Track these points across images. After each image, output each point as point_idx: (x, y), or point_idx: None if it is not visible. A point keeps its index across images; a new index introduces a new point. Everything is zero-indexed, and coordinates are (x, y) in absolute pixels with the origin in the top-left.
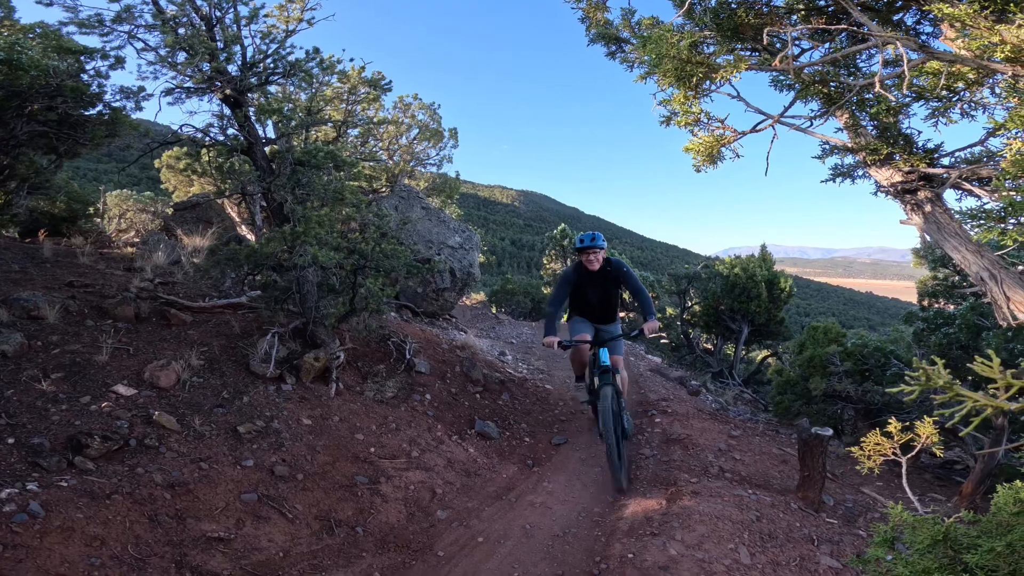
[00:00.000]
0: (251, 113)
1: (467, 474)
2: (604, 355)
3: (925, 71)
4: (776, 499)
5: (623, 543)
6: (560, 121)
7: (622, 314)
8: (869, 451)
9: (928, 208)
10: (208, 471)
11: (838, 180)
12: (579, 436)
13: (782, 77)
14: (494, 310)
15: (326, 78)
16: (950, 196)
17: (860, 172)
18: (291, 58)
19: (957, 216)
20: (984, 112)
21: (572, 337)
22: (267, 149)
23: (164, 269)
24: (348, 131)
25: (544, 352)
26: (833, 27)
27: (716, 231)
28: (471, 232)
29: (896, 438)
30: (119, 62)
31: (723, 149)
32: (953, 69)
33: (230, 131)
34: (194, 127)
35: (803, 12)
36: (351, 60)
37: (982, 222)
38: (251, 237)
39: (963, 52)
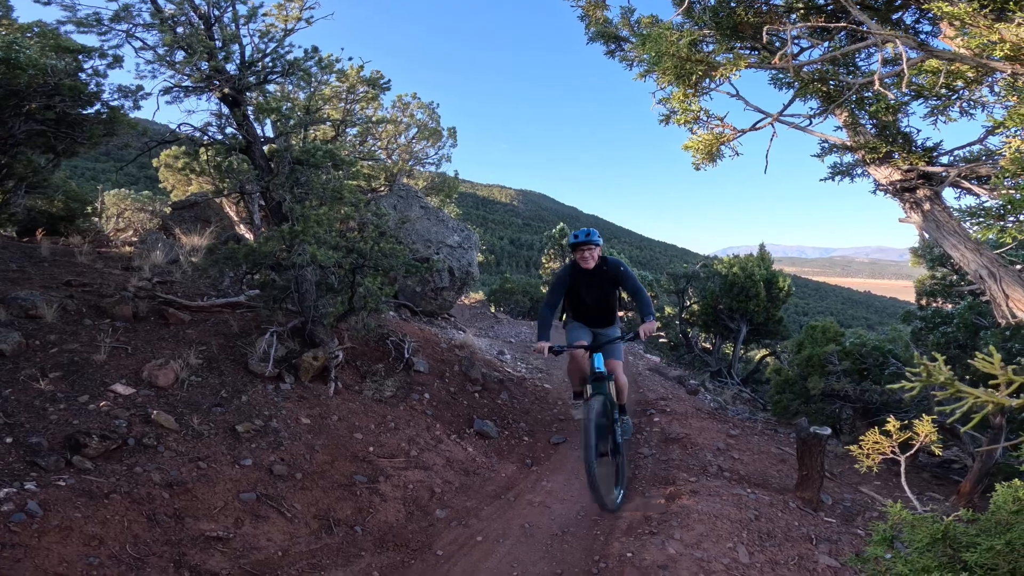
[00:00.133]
0: (249, 112)
1: (466, 473)
2: (598, 360)
3: (924, 69)
4: (775, 498)
5: (622, 542)
6: (559, 120)
7: (620, 313)
8: (868, 450)
9: (927, 206)
10: (206, 470)
11: (837, 178)
12: (578, 435)
13: (781, 75)
14: (493, 309)
15: (325, 77)
16: (949, 194)
17: (859, 170)
18: (290, 57)
19: (956, 214)
20: (983, 110)
21: (571, 342)
22: (265, 148)
23: (162, 268)
24: (347, 130)
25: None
26: (832, 25)
27: (715, 230)
28: (470, 231)
29: (895, 437)
30: (117, 61)
31: (722, 147)
32: (952, 67)
33: (228, 130)
34: (192, 126)
35: (802, 10)
36: (350, 59)
37: (981, 220)
38: (249, 236)
39: (962, 50)
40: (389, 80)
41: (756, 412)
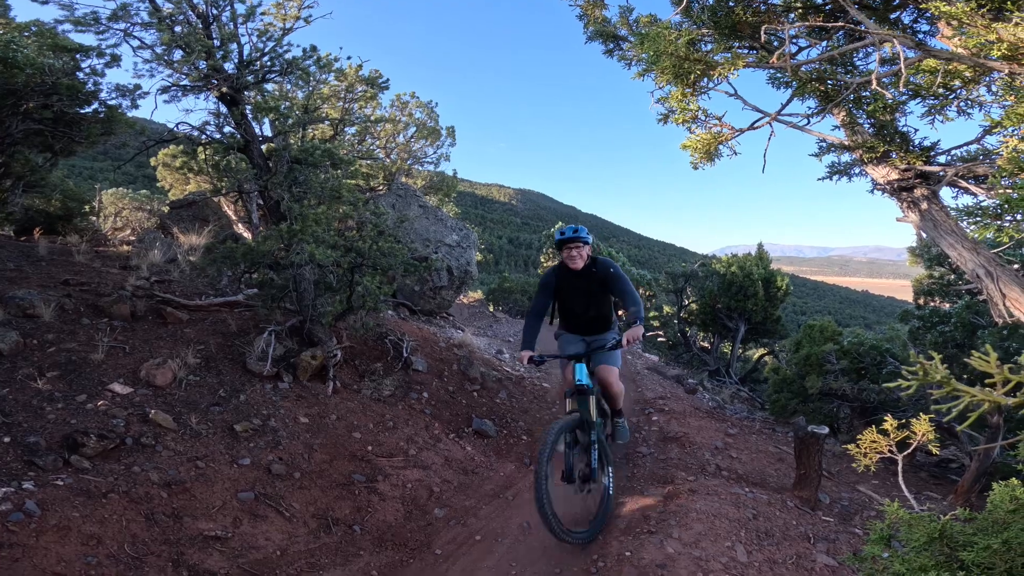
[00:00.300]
0: (248, 111)
1: (465, 472)
2: (580, 372)
3: (922, 69)
4: (772, 497)
5: (620, 541)
6: (558, 119)
7: (620, 312)
8: (865, 448)
9: (924, 206)
10: (205, 470)
11: (835, 178)
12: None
13: (779, 75)
14: (491, 308)
15: (323, 76)
16: (946, 194)
17: (857, 170)
18: (288, 56)
19: (953, 213)
20: (980, 110)
21: (563, 354)
22: (264, 147)
23: (160, 267)
24: (345, 129)
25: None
26: (830, 25)
27: (713, 230)
28: (468, 230)
29: (892, 435)
30: (115, 60)
31: (720, 146)
32: (950, 67)
33: (227, 129)
34: (190, 125)
35: (800, 10)
36: (348, 58)
37: (978, 219)
38: (248, 235)
39: (960, 50)
40: (387, 79)
41: (754, 411)
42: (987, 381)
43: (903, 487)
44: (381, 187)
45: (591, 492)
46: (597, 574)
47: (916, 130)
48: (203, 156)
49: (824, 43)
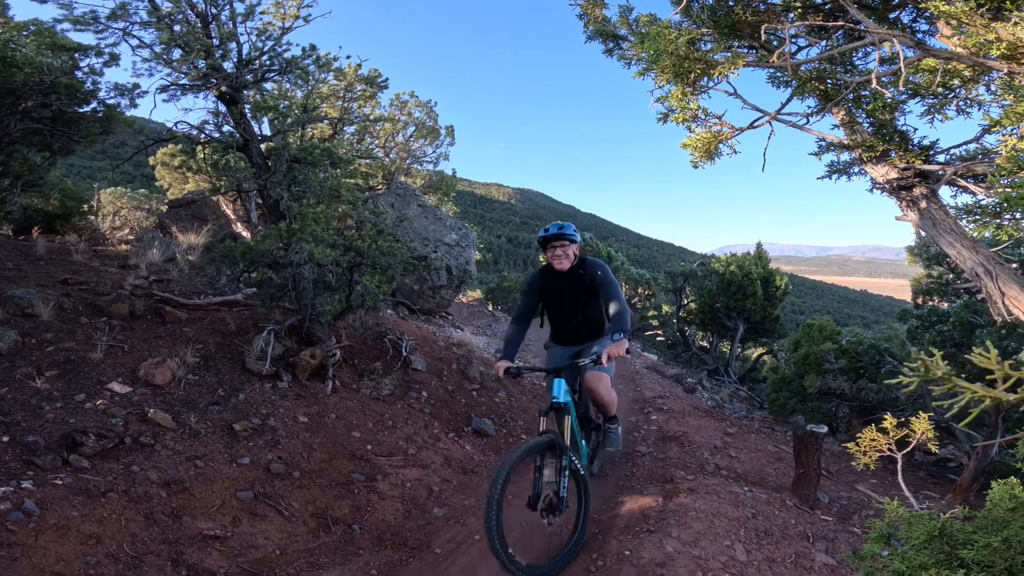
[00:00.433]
0: (247, 110)
1: (464, 471)
2: (557, 388)
3: (921, 68)
4: (771, 496)
5: (620, 540)
6: (557, 119)
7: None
8: (865, 447)
9: (924, 204)
10: (204, 469)
11: (834, 177)
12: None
13: (779, 74)
14: (490, 307)
15: (322, 75)
16: (945, 193)
17: (856, 169)
18: (287, 55)
19: (953, 212)
20: (979, 109)
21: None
22: (263, 146)
23: (159, 266)
24: (344, 128)
25: (541, 350)
26: (830, 24)
27: (712, 229)
28: (467, 230)
29: (892, 434)
30: (114, 59)
31: (720, 145)
32: (949, 66)
33: (225, 128)
34: (189, 124)
35: (800, 9)
36: (348, 57)
37: (977, 218)
38: (247, 234)
39: (959, 49)
40: (387, 78)
41: (753, 410)
42: (988, 378)
43: (903, 485)
44: (380, 186)
45: (557, 524)
46: (596, 573)
47: (915, 129)
48: (202, 155)
49: (824, 42)
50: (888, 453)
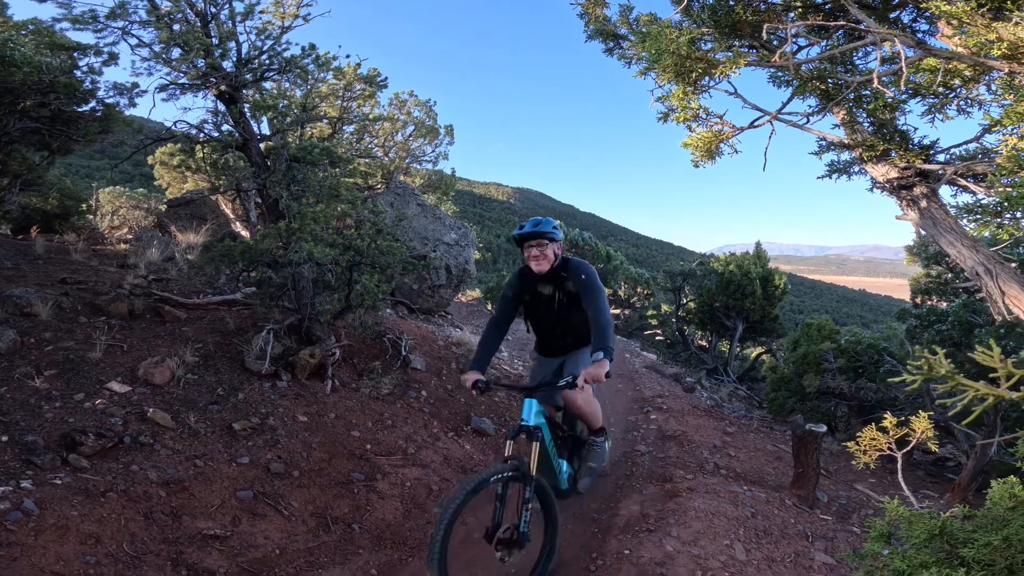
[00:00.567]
0: (246, 109)
1: (464, 471)
2: (527, 410)
3: (922, 68)
4: (771, 495)
5: (619, 539)
6: (557, 119)
7: (616, 311)
8: (865, 446)
9: (924, 204)
10: (203, 468)
11: (834, 176)
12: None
13: (780, 73)
14: (490, 307)
15: (321, 75)
16: (945, 192)
17: (856, 168)
18: (286, 54)
19: (953, 211)
20: (980, 109)
21: (532, 383)
22: (262, 145)
23: (158, 266)
24: (343, 128)
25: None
26: (831, 24)
27: (712, 228)
28: (467, 229)
29: (891, 433)
30: (113, 58)
31: (721, 145)
32: (950, 66)
33: (225, 127)
34: (188, 123)
35: (800, 9)
36: (347, 57)
37: (978, 217)
38: (246, 234)
39: (960, 49)
40: (386, 78)
41: (752, 409)
42: (990, 376)
43: (903, 484)
44: (379, 185)
45: (512, 562)
46: (596, 572)
47: (916, 129)
48: (201, 154)
49: (824, 42)
50: (888, 452)
